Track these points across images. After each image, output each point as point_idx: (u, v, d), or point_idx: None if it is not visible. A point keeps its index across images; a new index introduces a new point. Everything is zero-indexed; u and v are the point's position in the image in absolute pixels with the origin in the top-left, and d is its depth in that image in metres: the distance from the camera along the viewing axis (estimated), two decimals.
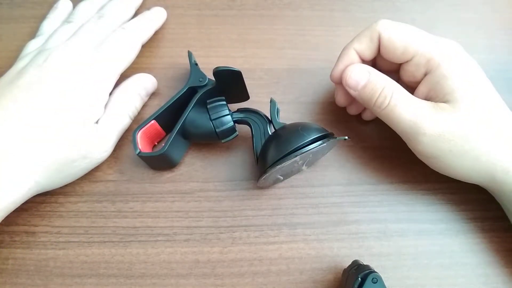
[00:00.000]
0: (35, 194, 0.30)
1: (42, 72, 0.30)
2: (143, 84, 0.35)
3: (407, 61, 0.30)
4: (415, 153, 0.30)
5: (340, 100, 0.34)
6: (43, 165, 0.29)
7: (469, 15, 0.41)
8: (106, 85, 0.33)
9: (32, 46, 0.35)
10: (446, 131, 0.27)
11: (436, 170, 0.30)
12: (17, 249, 0.30)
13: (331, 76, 0.32)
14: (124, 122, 0.33)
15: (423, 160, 0.31)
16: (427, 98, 0.29)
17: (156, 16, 0.39)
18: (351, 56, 0.31)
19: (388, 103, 0.28)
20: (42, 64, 0.31)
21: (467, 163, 0.28)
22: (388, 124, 0.30)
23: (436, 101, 0.29)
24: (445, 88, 0.28)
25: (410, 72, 0.30)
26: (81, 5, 0.38)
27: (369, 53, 0.31)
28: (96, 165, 0.32)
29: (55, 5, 0.39)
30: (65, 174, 0.31)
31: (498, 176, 0.28)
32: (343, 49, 0.32)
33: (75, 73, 0.31)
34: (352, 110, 0.35)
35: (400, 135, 0.30)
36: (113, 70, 0.33)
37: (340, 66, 0.31)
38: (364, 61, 0.32)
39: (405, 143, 0.30)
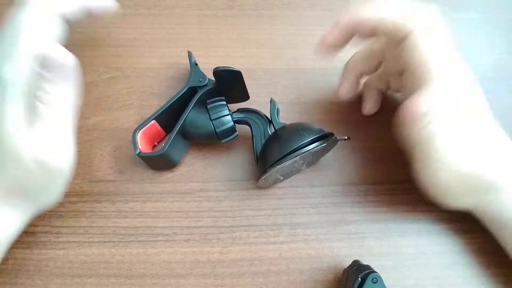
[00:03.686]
0: (32, 217, 0.28)
1: None
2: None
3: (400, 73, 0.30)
4: None
5: (344, 91, 0.34)
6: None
7: (469, 15, 0.42)
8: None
9: None
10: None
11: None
12: (17, 249, 0.30)
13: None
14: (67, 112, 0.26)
15: None
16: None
17: None
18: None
19: None
20: None
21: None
22: None
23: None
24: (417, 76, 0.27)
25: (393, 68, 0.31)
26: None
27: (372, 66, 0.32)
28: (67, 177, 0.28)
29: None
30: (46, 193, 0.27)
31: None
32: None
33: None
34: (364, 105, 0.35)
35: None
36: None
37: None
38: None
39: None
